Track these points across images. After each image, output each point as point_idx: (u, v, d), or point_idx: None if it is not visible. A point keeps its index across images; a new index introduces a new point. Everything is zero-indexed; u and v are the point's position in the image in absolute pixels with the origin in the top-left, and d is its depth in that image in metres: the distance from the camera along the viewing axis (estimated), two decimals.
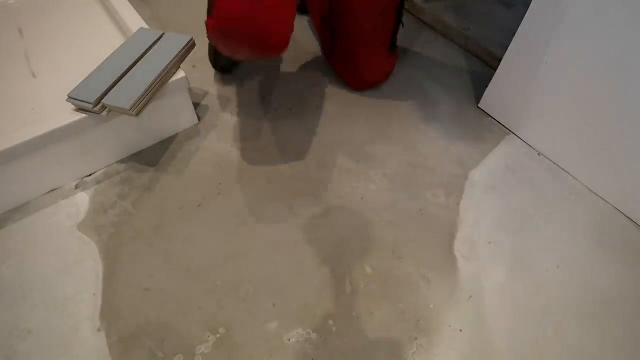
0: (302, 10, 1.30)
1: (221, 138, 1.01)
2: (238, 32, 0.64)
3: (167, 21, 1.32)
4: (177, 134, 1.01)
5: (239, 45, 0.67)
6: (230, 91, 1.12)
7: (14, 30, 1.06)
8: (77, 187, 0.90)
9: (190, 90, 0.97)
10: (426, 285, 0.79)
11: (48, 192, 0.89)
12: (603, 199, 0.93)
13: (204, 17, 0.71)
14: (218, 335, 0.72)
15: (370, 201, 0.91)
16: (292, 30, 0.70)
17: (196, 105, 1.06)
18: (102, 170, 0.93)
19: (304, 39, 1.05)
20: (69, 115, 0.80)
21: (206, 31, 0.72)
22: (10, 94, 0.93)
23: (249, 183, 0.93)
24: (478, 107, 1.11)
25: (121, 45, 0.90)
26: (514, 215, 0.90)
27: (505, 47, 0.96)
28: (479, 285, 0.79)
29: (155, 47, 0.90)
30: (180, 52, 0.89)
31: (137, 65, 0.86)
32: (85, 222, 0.85)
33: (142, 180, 0.92)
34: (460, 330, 0.74)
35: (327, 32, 1.07)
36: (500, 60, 0.99)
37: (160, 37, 0.93)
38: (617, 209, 0.92)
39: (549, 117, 0.95)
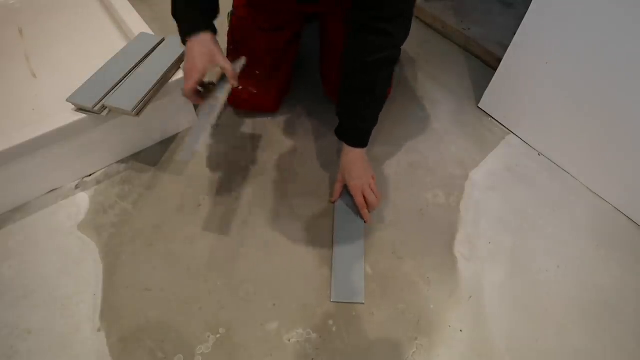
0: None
1: (221, 138, 1.01)
2: (245, 106, 1.05)
3: (167, 22, 1.32)
4: (177, 134, 1.01)
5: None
6: None
7: (14, 30, 1.06)
8: (77, 187, 0.90)
9: None
10: (426, 285, 0.79)
11: (48, 192, 0.89)
12: (603, 199, 0.93)
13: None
14: (218, 335, 0.72)
15: None
16: (281, 102, 1.07)
17: (196, 106, 1.06)
18: (102, 170, 0.93)
19: (305, 44, 1.04)
20: (69, 115, 0.80)
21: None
22: (10, 94, 0.93)
23: (249, 183, 0.93)
24: (478, 107, 1.11)
25: (121, 50, 0.90)
26: (514, 215, 0.90)
27: (505, 47, 0.96)
28: (479, 285, 0.79)
29: (156, 50, 0.90)
30: (181, 54, 0.90)
31: (138, 68, 0.86)
32: (85, 222, 0.85)
33: (142, 180, 0.92)
34: (460, 330, 0.74)
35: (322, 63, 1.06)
36: (500, 60, 0.99)
37: (161, 41, 0.93)
38: (617, 209, 0.92)
39: (549, 117, 0.95)
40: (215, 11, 0.78)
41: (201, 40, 0.72)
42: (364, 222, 0.86)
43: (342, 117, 0.84)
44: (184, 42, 0.75)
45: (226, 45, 1.01)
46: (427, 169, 0.97)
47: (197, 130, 0.74)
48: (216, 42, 0.74)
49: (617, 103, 0.81)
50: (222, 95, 0.76)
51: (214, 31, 0.75)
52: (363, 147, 0.84)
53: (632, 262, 0.84)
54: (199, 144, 0.72)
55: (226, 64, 0.74)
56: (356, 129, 0.83)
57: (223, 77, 0.79)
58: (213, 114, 0.75)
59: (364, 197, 0.84)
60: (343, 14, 0.90)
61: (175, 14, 0.76)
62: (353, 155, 0.84)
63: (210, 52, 0.72)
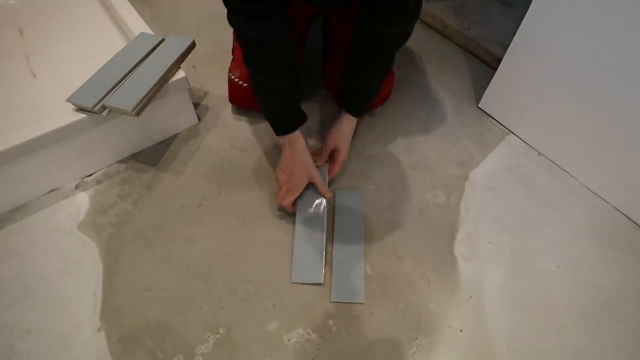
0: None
1: (221, 138, 1.01)
2: (246, 105, 1.04)
3: (167, 21, 1.32)
4: (177, 134, 1.01)
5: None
6: None
7: (14, 30, 1.06)
8: (77, 187, 0.90)
9: (190, 90, 0.97)
10: (426, 285, 0.79)
11: (48, 192, 0.89)
12: (603, 199, 0.93)
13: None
14: (218, 335, 0.72)
15: (370, 201, 0.91)
16: None
17: (196, 105, 1.06)
18: (102, 170, 0.93)
19: (307, 43, 1.04)
20: (69, 115, 0.80)
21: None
22: (10, 94, 0.93)
23: (249, 183, 0.93)
24: (478, 107, 1.11)
25: (121, 50, 0.90)
26: (514, 215, 0.90)
27: (505, 47, 0.96)
28: (479, 285, 0.79)
29: (156, 50, 0.90)
30: (181, 54, 0.90)
31: (138, 68, 0.86)
32: (85, 222, 0.85)
33: (142, 180, 0.92)
34: (460, 330, 0.74)
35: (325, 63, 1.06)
36: (500, 60, 0.99)
37: (161, 41, 0.93)
38: (617, 209, 0.92)
39: (549, 117, 0.95)
40: (299, 102, 0.85)
41: (300, 155, 0.81)
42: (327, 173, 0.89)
43: (352, 89, 0.89)
44: (277, 134, 0.84)
45: (233, 43, 1.00)
46: (427, 169, 0.97)
47: (311, 253, 0.80)
48: (306, 148, 0.83)
49: (617, 103, 0.81)
50: (324, 210, 0.85)
51: (303, 121, 0.84)
52: (359, 117, 0.92)
53: (632, 262, 0.84)
54: (323, 268, 0.79)
55: (320, 181, 0.83)
56: (364, 101, 0.90)
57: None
58: (321, 230, 0.83)
59: (337, 160, 0.89)
60: (351, 12, 0.89)
61: (268, 115, 0.83)
62: (352, 123, 0.91)
63: (309, 173, 0.82)
